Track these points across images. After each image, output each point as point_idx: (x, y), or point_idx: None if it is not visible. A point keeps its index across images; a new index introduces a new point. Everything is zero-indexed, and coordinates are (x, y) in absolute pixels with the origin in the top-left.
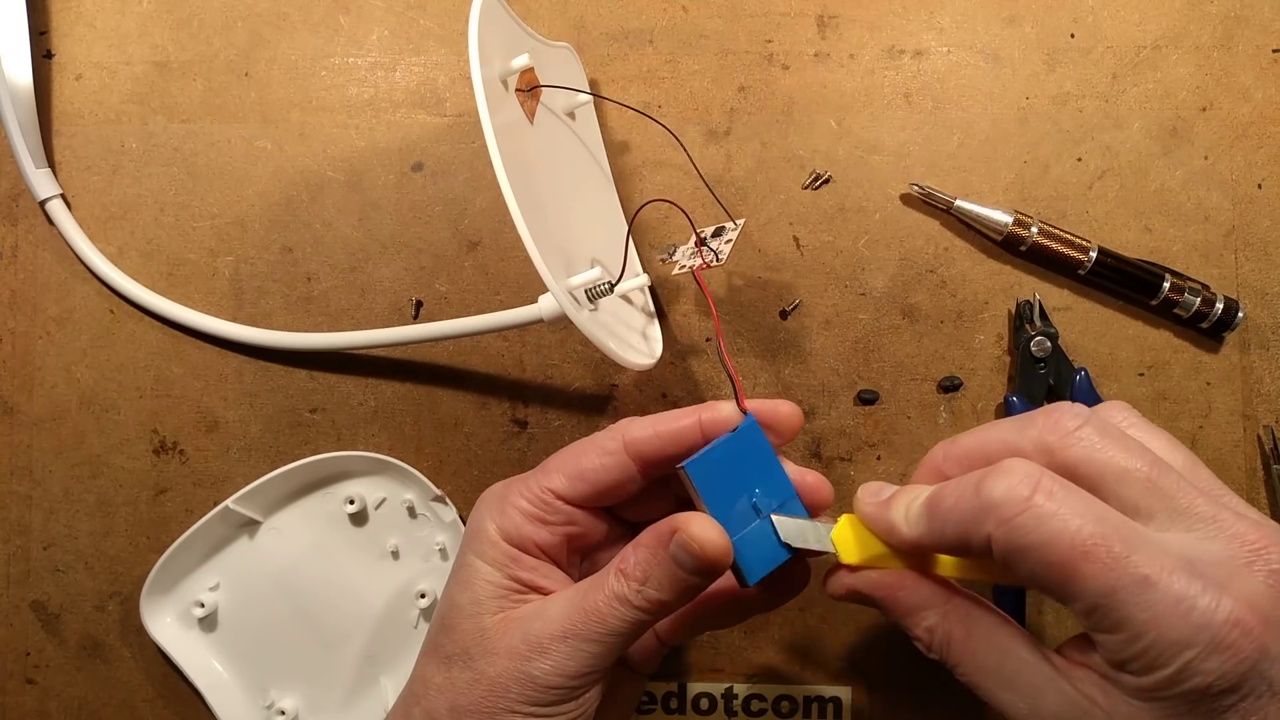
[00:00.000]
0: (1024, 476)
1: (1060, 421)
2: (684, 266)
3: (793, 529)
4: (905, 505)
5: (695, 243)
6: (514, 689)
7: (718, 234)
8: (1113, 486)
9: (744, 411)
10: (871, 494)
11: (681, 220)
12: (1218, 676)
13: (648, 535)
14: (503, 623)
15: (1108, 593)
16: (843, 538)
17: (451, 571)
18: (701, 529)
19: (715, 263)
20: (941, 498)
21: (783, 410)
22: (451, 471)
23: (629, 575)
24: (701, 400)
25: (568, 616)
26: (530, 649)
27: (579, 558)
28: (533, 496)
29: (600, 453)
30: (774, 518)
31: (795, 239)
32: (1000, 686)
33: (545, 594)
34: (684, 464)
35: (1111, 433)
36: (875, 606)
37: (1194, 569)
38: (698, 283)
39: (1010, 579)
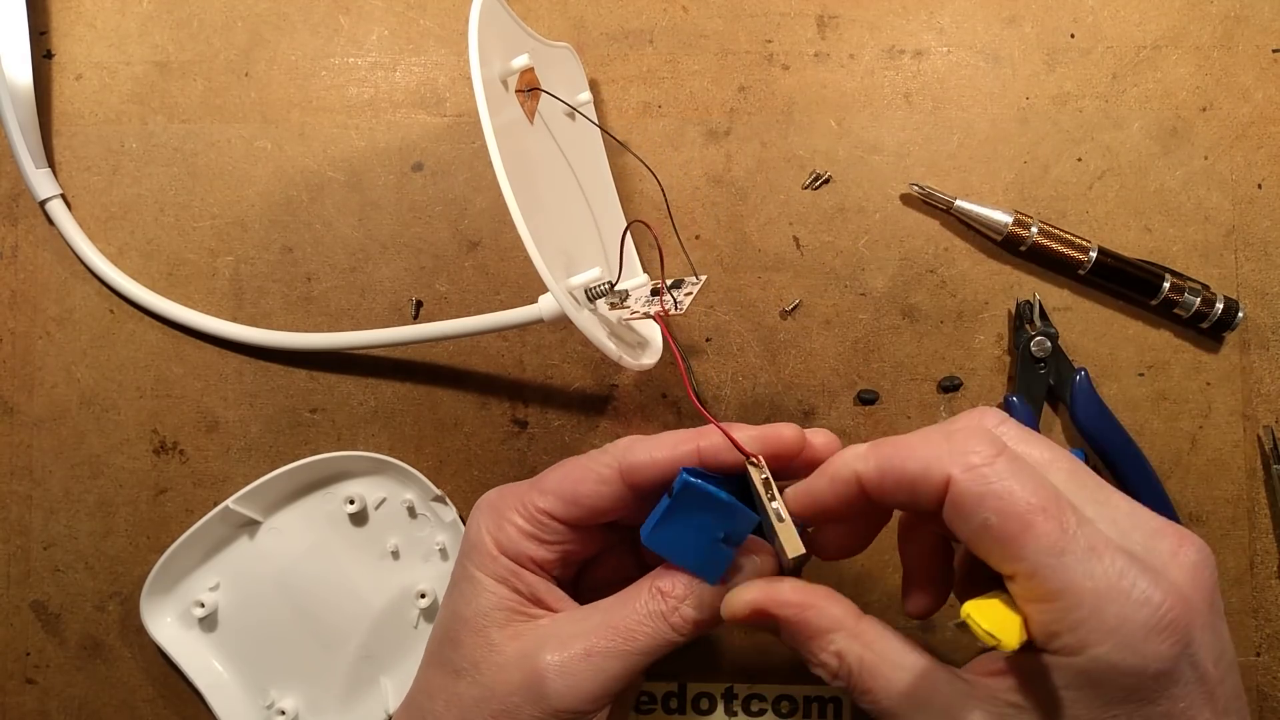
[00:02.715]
0: (992, 440)
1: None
2: (636, 314)
3: None
4: (853, 452)
5: (652, 291)
6: (526, 710)
7: (677, 285)
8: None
9: (749, 458)
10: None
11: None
12: (1154, 658)
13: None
14: (512, 637)
15: (1056, 553)
16: (994, 624)
17: (451, 583)
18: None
19: (675, 311)
20: (898, 441)
21: (786, 435)
22: (451, 471)
23: (667, 593)
24: (704, 404)
25: (592, 634)
26: (547, 668)
27: (576, 567)
28: (529, 515)
29: (596, 479)
30: None
31: (795, 239)
32: (914, 710)
33: (549, 608)
34: (644, 536)
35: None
36: (775, 629)
37: (1132, 555)
38: (662, 332)
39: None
